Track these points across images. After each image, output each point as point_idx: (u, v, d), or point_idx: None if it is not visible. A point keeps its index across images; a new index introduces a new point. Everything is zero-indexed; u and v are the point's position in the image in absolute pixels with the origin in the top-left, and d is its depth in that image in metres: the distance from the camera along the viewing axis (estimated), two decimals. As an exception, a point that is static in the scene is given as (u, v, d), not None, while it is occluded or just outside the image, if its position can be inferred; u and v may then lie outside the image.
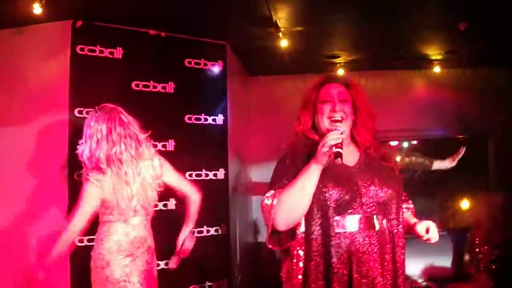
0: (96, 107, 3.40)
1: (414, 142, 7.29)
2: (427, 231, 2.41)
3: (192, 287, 4.80)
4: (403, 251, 2.44)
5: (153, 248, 3.53)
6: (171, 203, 4.71)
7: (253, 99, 6.78)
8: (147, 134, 3.48)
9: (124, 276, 3.21)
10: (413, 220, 2.61)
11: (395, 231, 2.43)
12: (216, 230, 5.03)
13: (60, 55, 4.48)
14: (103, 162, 3.18)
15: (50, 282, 3.08)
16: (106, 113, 3.31)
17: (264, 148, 6.57)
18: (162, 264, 4.60)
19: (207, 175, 5.00)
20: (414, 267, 5.98)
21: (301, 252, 2.37)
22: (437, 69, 6.32)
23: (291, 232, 2.37)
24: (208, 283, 4.92)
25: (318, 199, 2.32)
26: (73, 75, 4.40)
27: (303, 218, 2.36)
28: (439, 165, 6.51)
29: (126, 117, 3.38)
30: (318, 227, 2.33)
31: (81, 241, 3.98)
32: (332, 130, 2.31)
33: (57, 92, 4.38)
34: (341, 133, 2.29)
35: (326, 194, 2.32)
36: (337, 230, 2.31)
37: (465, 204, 6.59)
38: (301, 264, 2.36)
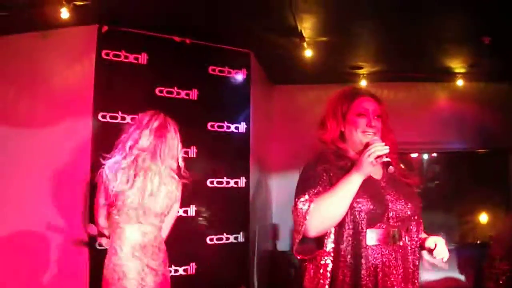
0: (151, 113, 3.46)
1: (434, 154, 7.29)
2: (435, 246, 2.43)
3: (211, 293, 4.80)
4: (419, 267, 2.47)
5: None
6: (192, 210, 4.73)
7: (275, 108, 6.77)
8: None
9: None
10: (423, 235, 2.64)
11: (413, 247, 2.45)
12: (236, 238, 5.02)
13: (85, 59, 4.51)
14: None
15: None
16: (157, 130, 3.35)
17: (284, 157, 6.59)
18: (180, 270, 4.63)
19: (228, 182, 5.01)
20: (432, 280, 5.96)
21: (329, 262, 2.36)
22: (459, 82, 6.28)
23: (319, 241, 2.37)
24: (226, 290, 4.93)
25: (351, 210, 2.32)
26: (97, 79, 4.43)
27: (333, 227, 2.36)
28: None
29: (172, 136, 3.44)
30: (349, 238, 2.32)
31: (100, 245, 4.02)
32: (371, 143, 2.33)
33: (82, 96, 4.40)
34: (385, 144, 2.31)
35: (360, 206, 2.31)
36: (367, 243, 2.31)
37: (483, 218, 6.55)
38: (328, 275, 2.35)
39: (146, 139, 3.28)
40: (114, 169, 3.18)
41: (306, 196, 2.30)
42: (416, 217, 2.48)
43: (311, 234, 2.30)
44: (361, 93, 2.64)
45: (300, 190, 2.36)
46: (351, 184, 2.28)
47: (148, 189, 3.20)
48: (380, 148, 2.26)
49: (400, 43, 5.13)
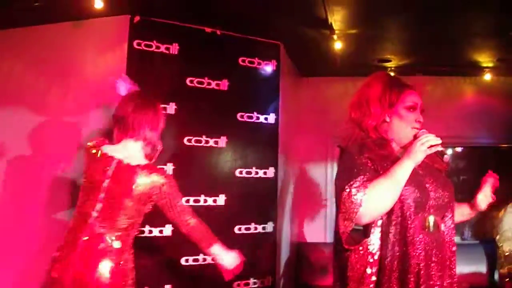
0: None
1: (459, 149, 7.26)
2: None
3: (236, 283, 4.82)
4: (455, 253, 2.50)
5: None
6: (221, 199, 4.78)
7: (303, 100, 6.78)
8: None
9: None
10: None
11: (449, 234, 2.48)
12: (264, 228, 5.06)
13: (118, 49, 4.56)
14: None
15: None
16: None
17: (311, 148, 6.62)
18: (209, 259, 4.65)
19: (257, 173, 5.04)
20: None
21: (376, 251, 2.37)
22: (487, 76, 6.25)
23: (366, 229, 2.39)
24: (252, 280, 4.96)
25: (399, 198, 2.33)
26: (129, 69, 4.45)
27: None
28: None
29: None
30: (398, 226, 2.34)
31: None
32: (419, 134, 2.39)
33: (114, 85, 4.44)
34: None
35: (407, 195, 2.34)
36: (414, 231, 2.33)
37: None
38: (375, 263, 2.36)
39: None
40: None
41: (358, 183, 2.29)
42: (451, 204, 2.51)
43: (364, 221, 2.32)
44: (408, 86, 2.65)
45: (347, 177, 2.34)
46: (404, 170, 2.30)
47: None
48: (433, 138, 2.29)
49: (429, 37, 5.12)
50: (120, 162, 3.12)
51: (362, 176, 2.32)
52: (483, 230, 6.71)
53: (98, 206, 3.06)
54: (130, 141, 3.19)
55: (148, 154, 3.27)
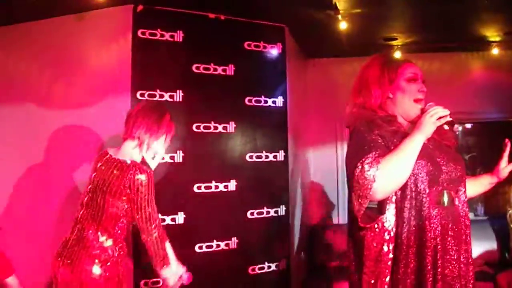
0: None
1: (469, 125, 7.22)
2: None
3: (251, 267, 4.84)
4: (470, 227, 2.50)
5: None
6: (232, 184, 4.79)
7: (310, 81, 6.76)
8: None
9: None
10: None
11: (464, 208, 2.47)
12: (276, 212, 5.06)
13: (122, 39, 4.54)
14: None
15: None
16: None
17: (320, 130, 6.61)
18: (222, 245, 4.68)
19: (267, 157, 5.03)
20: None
21: (392, 227, 2.37)
22: (495, 51, 6.19)
23: (381, 206, 2.39)
24: (267, 264, 4.97)
25: (413, 172, 2.32)
26: (134, 58, 4.45)
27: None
28: None
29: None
30: (413, 201, 2.34)
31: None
32: (427, 107, 2.39)
33: (120, 75, 4.43)
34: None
35: (419, 167, 2.33)
36: (429, 204, 2.33)
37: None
38: (392, 240, 2.36)
39: None
40: None
41: (370, 159, 2.29)
42: (464, 178, 2.51)
43: (379, 196, 2.31)
44: (405, 60, 2.67)
45: (359, 155, 2.34)
46: (415, 143, 2.30)
47: None
48: (441, 110, 2.29)
49: (434, 13, 5.05)
50: (110, 156, 3.17)
51: (374, 152, 2.32)
52: (494, 206, 6.69)
53: (86, 198, 3.14)
54: (128, 141, 3.21)
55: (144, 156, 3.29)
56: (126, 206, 3.04)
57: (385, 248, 2.36)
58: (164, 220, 4.33)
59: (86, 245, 3.00)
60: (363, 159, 2.30)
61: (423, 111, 2.40)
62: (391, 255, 2.36)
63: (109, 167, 3.08)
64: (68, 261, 2.97)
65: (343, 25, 4.94)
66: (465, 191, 2.52)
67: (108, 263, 3.01)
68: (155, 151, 3.31)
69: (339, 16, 4.81)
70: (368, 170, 2.26)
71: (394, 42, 5.97)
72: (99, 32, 4.53)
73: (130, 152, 3.17)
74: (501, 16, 5.24)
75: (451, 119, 2.32)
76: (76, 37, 4.46)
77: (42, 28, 4.34)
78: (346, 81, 5.95)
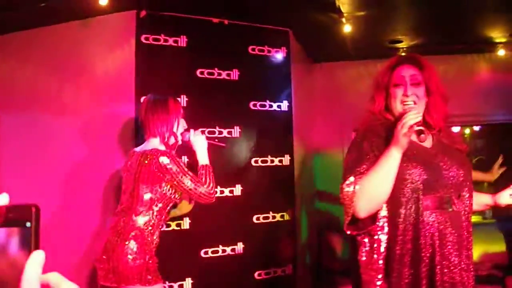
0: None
1: (477, 128, 7.20)
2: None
3: (257, 272, 4.82)
4: (472, 233, 2.47)
5: None
6: (237, 189, 4.77)
7: (316, 85, 6.72)
8: None
9: None
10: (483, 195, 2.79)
11: (466, 213, 2.44)
12: (282, 216, 5.04)
13: (126, 45, 4.54)
14: None
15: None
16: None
17: (326, 134, 6.58)
18: (228, 250, 4.66)
19: (272, 161, 5.01)
20: (476, 254, 5.87)
21: (383, 237, 2.36)
22: (501, 52, 6.16)
23: (372, 216, 2.37)
24: (273, 269, 4.95)
25: (404, 181, 2.31)
26: (138, 64, 4.47)
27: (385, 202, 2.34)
28: None
29: None
30: (407, 210, 2.32)
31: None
32: (406, 112, 2.30)
33: (124, 81, 4.44)
34: (417, 112, 2.29)
35: (414, 176, 2.31)
36: (424, 210, 2.31)
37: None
38: (382, 249, 2.35)
39: None
40: None
41: (351, 179, 2.31)
42: (468, 183, 2.48)
43: (362, 214, 2.32)
44: (401, 62, 2.61)
45: (347, 171, 2.38)
46: (391, 159, 2.26)
47: None
48: (412, 117, 2.23)
49: (439, 14, 5.04)
50: (134, 151, 3.32)
51: (358, 169, 2.34)
52: (503, 209, 6.63)
53: (123, 197, 3.27)
54: (151, 138, 3.31)
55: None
56: (160, 190, 3.15)
57: (375, 256, 2.36)
58: (169, 225, 4.32)
59: (123, 234, 3.11)
60: (346, 178, 2.35)
61: (401, 115, 2.35)
62: (381, 262, 2.35)
63: (136, 159, 3.19)
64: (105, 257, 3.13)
65: (347, 28, 4.93)
66: (470, 196, 2.49)
67: (143, 246, 3.09)
68: (181, 131, 3.43)
69: (343, 19, 4.80)
70: (347, 191, 2.30)
71: (399, 45, 5.94)
72: (103, 38, 4.54)
73: (156, 146, 3.26)
74: (506, 16, 5.22)
75: (419, 127, 2.25)
76: (80, 43, 4.46)
77: (47, 34, 4.33)
78: (352, 84, 6.04)
